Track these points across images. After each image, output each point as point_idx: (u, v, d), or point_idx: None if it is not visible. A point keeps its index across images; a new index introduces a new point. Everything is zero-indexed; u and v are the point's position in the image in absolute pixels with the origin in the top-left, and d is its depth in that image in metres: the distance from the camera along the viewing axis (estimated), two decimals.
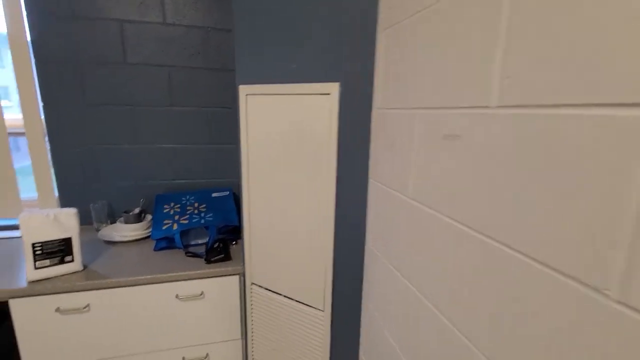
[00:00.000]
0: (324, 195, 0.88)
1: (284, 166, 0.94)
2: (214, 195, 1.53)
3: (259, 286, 1.12)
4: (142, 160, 1.49)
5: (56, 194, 1.44)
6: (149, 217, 1.45)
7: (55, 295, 1.01)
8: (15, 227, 1.42)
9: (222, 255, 1.18)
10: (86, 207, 1.44)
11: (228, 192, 1.54)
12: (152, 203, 1.51)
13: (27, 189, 1.47)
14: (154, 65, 1.41)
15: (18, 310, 1.00)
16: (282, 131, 0.93)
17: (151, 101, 1.44)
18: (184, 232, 1.29)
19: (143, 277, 1.06)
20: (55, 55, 1.31)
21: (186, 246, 1.29)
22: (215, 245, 1.25)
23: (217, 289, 1.16)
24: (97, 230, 1.43)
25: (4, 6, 1.25)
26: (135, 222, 1.38)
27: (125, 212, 1.39)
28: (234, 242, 1.35)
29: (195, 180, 1.57)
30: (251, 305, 1.15)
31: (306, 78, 0.86)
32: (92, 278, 1.04)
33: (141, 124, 1.45)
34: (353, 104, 0.80)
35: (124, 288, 1.06)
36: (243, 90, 0.99)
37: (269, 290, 1.10)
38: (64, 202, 1.45)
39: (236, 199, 1.51)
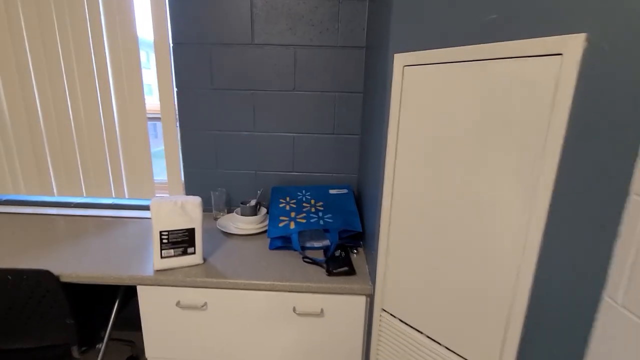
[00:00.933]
0: (525, 212, 0.58)
1: (461, 167, 0.67)
2: (331, 192, 1.35)
3: (392, 315, 0.88)
4: (261, 149, 1.40)
5: (182, 178, 1.46)
6: (263, 210, 1.35)
7: (177, 289, 0.95)
8: (146, 208, 1.49)
9: (346, 268, 0.98)
10: (207, 194, 1.42)
11: (347, 190, 1.35)
12: (267, 193, 1.41)
13: (162, 171, 1.53)
14: (279, 45, 1.29)
15: (144, 296, 0.98)
16: (460, 116, 0.65)
17: (274, 85, 1.33)
18: (300, 232, 1.14)
19: (261, 283, 0.93)
20: (189, 37, 1.29)
21: (302, 248, 1.13)
22: (337, 254, 1.06)
23: (338, 308, 0.96)
24: (215, 218, 1.40)
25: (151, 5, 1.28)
26: (251, 215, 1.29)
27: (242, 203, 1.31)
28: (354, 250, 1.14)
29: (311, 173, 1.42)
30: (378, 336, 0.92)
31: (514, 33, 0.56)
32: (211, 275, 0.95)
33: (262, 109, 1.36)
34: (612, 71, 0.47)
35: (241, 291, 0.95)
36: (399, 60, 0.74)
37: (406, 324, 0.85)
38: (188, 186, 1.46)
39: (356, 199, 1.30)
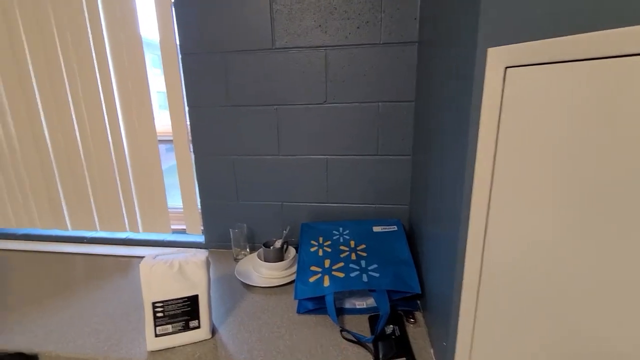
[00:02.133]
0: None
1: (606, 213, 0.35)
2: (375, 229, 1.06)
3: None
4: (287, 175, 1.15)
5: (199, 207, 1.26)
6: (292, 251, 1.10)
7: None
8: (161, 244, 1.31)
9: (404, 359, 0.69)
10: (226, 227, 1.20)
11: (395, 227, 1.05)
12: (296, 229, 1.16)
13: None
14: (307, 48, 1.02)
15: None
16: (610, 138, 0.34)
17: (301, 97, 1.07)
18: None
19: None
20: (199, 45, 1.07)
21: (339, 310, 0.86)
22: (389, 331, 0.77)
23: None
24: (235, 258, 1.17)
25: (156, 12, 1.08)
26: (276, 260, 1.04)
27: (265, 244, 1.07)
28: (411, 319, 0.84)
29: (349, 204, 1.14)
30: None
31: None
32: (220, 358, 0.71)
33: (288, 128, 1.10)
34: None
35: None
36: (497, 58, 0.44)
37: None
38: (206, 221, 1.25)
39: (407, 238, 1.00)
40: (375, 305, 0.86)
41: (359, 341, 0.76)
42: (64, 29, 1.15)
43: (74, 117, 1.24)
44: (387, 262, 0.92)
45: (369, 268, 0.90)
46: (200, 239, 1.29)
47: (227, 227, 1.21)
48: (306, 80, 1.05)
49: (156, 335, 0.73)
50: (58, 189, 1.34)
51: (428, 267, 0.81)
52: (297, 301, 0.90)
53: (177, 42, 1.09)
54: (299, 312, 0.87)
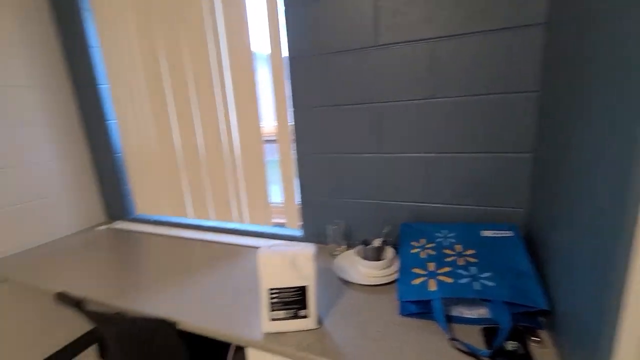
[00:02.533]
0: None
1: None
2: (484, 234, 0.97)
3: None
4: (387, 174, 1.13)
5: (298, 202, 1.33)
6: (390, 251, 1.08)
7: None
8: (263, 235, 1.42)
9: None
10: (323, 225, 1.24)
11: (512, 233, 0.94)
12: (395, 229, 1.13)
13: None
14: (412, 42, 0.99)
15: (255, 359, 0.84)
16: None
17: (404, 94, 1.04)
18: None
19: None
20: (304, 49, 1.12)
21: (448, 318, 0.81)
22: (510, 347, 0.69)
23: None
24: (332, 254, 1.20)
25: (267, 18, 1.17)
26: (374, 259, 1.03)
27: (364, 242, 1.07)
28: (534, 337, 0.74)
29: (454, 205, 1.07)
30: None
31: None
32: (327, 351, 0.74)
33: (389, 125, 1.08)
34: None
35: None
36: None
37: None
38: (306, 217, 1.31)
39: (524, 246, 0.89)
40: (488, 316, 0.79)
41: (473, 354, 0.70)
42: (191, 49, 1.34)
43: (194, 121, 1.44)
44: (503, 271, 0.83)
45: (482, 276, 0.82)
46: (299, 233, 1.36)
47: (324, 223, 1.25)
48: (410, 75, 1.01)
49: (271, 320, 0.79)
50: (183, 182, 1.57)
51: (559, 282, 0.71)
52: (398, 303, 0.88)
53: (285, 46, 1.16)
54: (402, 314, 0.85)
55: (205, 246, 1.39)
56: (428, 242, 0.99)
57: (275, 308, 0.79)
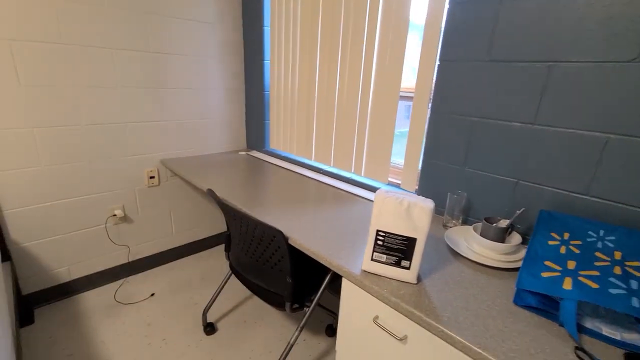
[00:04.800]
0: None
1: None
2: None
3: None
4: (535, 150, 0.95)
5: (419, 166, 1.27)
6: (518, 238, 0.94)
7: (379, 302, 0.79)
8: (375, 189, 1.42)
9: None
10: (442, 194, 1.16)
11: None
12: (531, 217, 0.98)
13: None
14: None
15: (347, 290, 0.89)
16: None
17: (591, 52, 0.82)
18: (582, 303, 0.67)
19: (487, 359, 0.60)
20: None
21: (580, 328, 0.67)
22: None
23: None
24: (445, 225, 1.13)
25: None
26: (496, 239, 0.92)
27: (487, 220, 0.96)
28: None
29: (623, 204, 0.84)
30: None
31: None
32: (422, 308, 0.72)
33: (557, 91, 0.89)
34: None
35: (455, 350, 0.66)
36: None
37: None
38: (423, 180, 1.25)
39: None
40: (638, 344, 0.62)
41: None
42: (350, 12, 1.35)
43: (338, 73, 1.48)
44: None
45: None
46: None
47: (443, 191, 1.17)
48: (613, 27, 0.79)
49: (372, 259, 0.81)
50: (313, 127, 1.68)
51: None
52: (514, 291, 0.77)
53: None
54: (515, 303, 0.75)
55: (320, 187, 1.48)
56: (573, 239, 0.82)
57: (379, 250, 0.80)
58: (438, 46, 1.11)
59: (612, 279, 0.68)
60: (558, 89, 0.89)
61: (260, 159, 1.91)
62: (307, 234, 1.01)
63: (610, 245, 0.78)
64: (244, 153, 2.02)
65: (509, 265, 0.88)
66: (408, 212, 0.76)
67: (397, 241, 0.78)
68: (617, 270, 0.71)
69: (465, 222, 1.14)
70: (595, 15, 0.80)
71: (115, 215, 1.69)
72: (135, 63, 1.58)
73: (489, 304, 0.75)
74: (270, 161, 1.85)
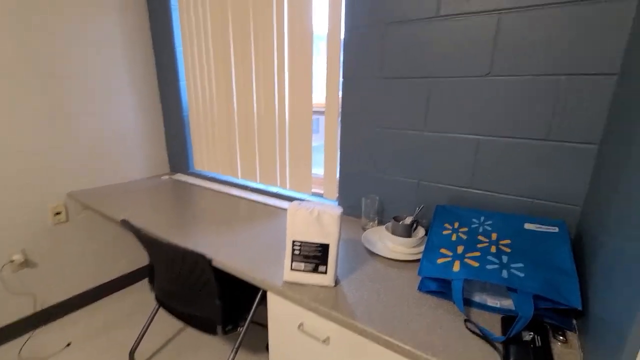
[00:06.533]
0: None
1: None
2: (527, 226, 0.90)
3: None
4: (429, 153, 1.10)
5: (338, 174, 1.36)
6: (421, 231, 1.06)
7: (302, 309, 0.83)
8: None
9: None
10: (360, 197, 1.25)
11: (557, 229, 0.87)
12: (429, 210, 1.11)
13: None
14: (476, 14, 0.93)
15: (272, 303, 0.91)
16: None
17: (459, 69, 0.99)
18: (468, 281, 0.79)
19: (397, 345, 0.67)
20: (363, 18, 1.12)
21: (467, 302, 0.79)
22: (527, 337, 0.66)
23: None
24: (364, 227, 1.22)
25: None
26: (403, 235, 1.03)
27: (395, 218, 1.06)
28: (560, 336, 0.69)
29: (499, 194, 1.01)
30: None
31: None
32: (339, 307, 0.77)
33: (438, 102, 1.04)
34: None
35: (370, 342, 0.73)
36: None
37: None
38: (342, 188, 1.34)
39: (573, 247, 0.81)
40: (513, 309, 0.75)
41: (485, 337, 0.68)
42: (258, 26, 1.40)
43: (254, 91, 1.52)
44: (538, 264, 0.77)
45: (512, 265, 0.78)
46: (335, 204, 1.39)
47: (360, 196, 1.26)
48: (470, 49, 0.96)
49: (291, 269, 0.84)
50: (236, 145, 1.69)
51: (602, 286, 0.64)
52: (419, 279, 0.87)
53: (343, 19, 1.17)
54: (420, 289, 0.85)
55: (248, 205, 1.49)
56: (462, 226, 0.95)
57: (297, 259, 0.84)
58: (340, 65, 1.22)
59: (489, 257, 0.81)
60: (438, 101, 1.04)
61: (185, 182, 1.84)
62: (232, 253, 1.01)
63: (489, 228, 0.93)
64: (167, 177, 1.93)
65: (415, 257, 0.99)
66: (319, 220, 0.81)
67: (312, 248, 0.83)
68: (493, 249, 0.84)
69: (381, 223, 1.24)
70: (454, 39, 0.97)
71: (13, 261, 1.48)
72: (28, 84, 1.43)
73: (398, 294, 0.83)
74: (196, 183, 1.80)
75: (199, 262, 0.98)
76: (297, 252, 0.83)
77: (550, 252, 0.81)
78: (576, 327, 0.71)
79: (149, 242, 1.07)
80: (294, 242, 0.83)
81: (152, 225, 1.22)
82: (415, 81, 1.07)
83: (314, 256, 0.83)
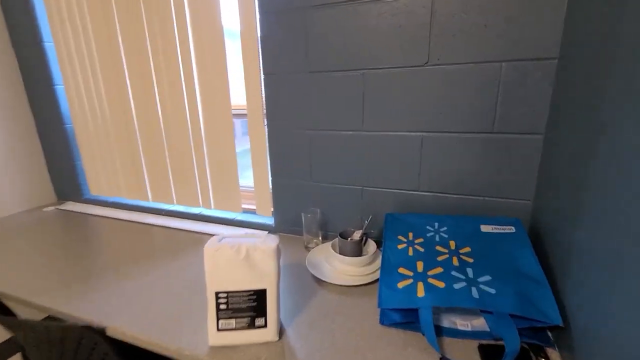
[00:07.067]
0: None
1: None
2: (484, 229, 0.82)
3: None
4: (371, 155, 0.97)
5: (270, 186, 1.16)
6: (372, 245, 0.93)
7: None
8: (231, 223, 1.25)
9: None
10: (298, 211, 1.08)
11: (513, 229, 0.80)
12: (378, 220, 0.98)
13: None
14: None
15: None
16: None
17: (395, 59, 0.87)
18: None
19: None
20: (280, 1, 0.93)
21: (436, 328, 0.67)
22: None
23: None
24: (306, 246, 1.04)
25: None
26: (353, 254, 0.88)
27: (342, 235, 0.91)
28: (542, 357, 0.60)
29: (449, 194, 0.92)
30: None
31: None
32: None
33: (375, 97, 0.91)
34: None
35: None
36: None
37: None
38: (277, 201, 1.14)
39: (533, 245, 0.75)
40: (486, 329, 0.65)
41: None
42: (153, 14, 1.12)
43: (156, 94, 1.23)
44: (504, 274, 0.69)
45: (480, 280, 0.68)
46: (270, 221, 1.19)
47: (299, 210, 1.08)
48: (404, 36, 0.84)
49: (218, 330, 0.63)
50: (141, 161, 1.37)
51: (576, 291, 0.57)
52: (380, 311, 0.73)
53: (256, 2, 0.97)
54: (382, 323, 0.70)
55: (164, 233, 1.21)
56: (417, 237, 0.84)
57: (224, 316, 0.62)
58: (259, 58, 1.02)
59: (453, 272, 0.71)
60: (374, 95, 0.91)
61: (77, 212, 1.45)
62: (138, 312, 0.75)
63: (445, 236, 0.83)
64: (52, 208, 1.51)
65: (372, 278, 0.85)
66: (248, 260, 0.61)
67: (244, 299, 0.62)
68: (455, 261, 0.74)
69: (325, 238, 1.09)
70: (387, 23, 0.84)
71: None
72: None
73: (357, 332, 0.68)
74: (92, 213, 1.43)
75: (85, 337, 0.70)
76: (223, 306, 0.62)
77: (513, 256, 0.73)
78: (554, 341, 0.64)
79: (7, 325, 0.74)
80: (217, 293, 0.62)
81: (15, 286, 0.87)
82: (347, 74, 0.92)
83: (248, 307, 0.63)
